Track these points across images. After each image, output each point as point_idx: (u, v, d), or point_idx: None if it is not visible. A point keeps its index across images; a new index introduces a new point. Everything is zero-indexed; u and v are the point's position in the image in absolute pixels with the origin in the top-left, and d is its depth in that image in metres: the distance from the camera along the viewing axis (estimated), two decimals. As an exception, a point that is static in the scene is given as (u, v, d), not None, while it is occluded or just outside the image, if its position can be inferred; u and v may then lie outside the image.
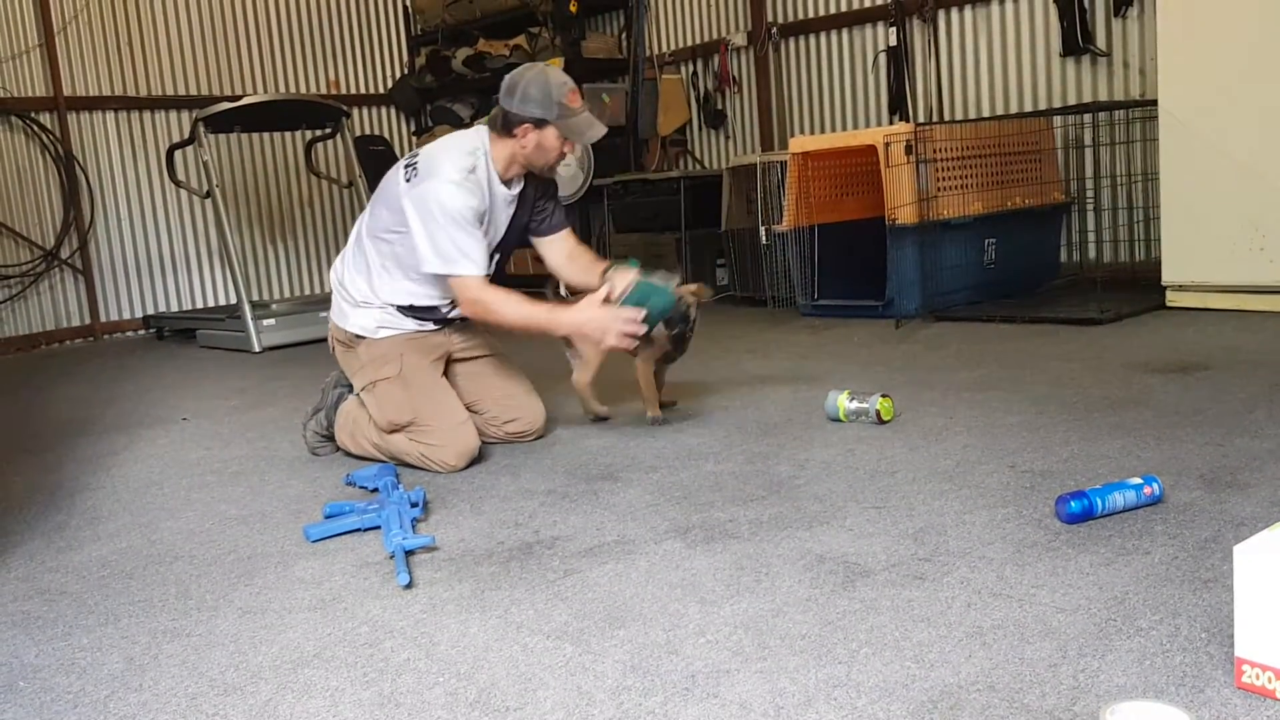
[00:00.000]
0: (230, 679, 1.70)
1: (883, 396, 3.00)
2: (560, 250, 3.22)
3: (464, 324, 3.14)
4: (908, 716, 1.41)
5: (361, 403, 3.04)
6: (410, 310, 3.02)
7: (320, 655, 1.76)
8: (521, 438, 3.11)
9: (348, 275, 3.07)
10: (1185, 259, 4.39)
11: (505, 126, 2.92)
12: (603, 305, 2.93)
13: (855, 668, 1.57)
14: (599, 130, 2.99)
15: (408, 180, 2.89)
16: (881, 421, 2.97)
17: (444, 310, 3.06)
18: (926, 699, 1.46)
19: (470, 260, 2.86)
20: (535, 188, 3.12)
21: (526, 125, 2.89)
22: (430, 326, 3.07)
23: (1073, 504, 2.07)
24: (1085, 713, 1.39)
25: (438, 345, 3.07)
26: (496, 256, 3.09)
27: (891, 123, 6.01)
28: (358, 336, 3.03)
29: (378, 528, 2.36)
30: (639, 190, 6.71)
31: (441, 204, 2.82)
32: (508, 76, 2.95)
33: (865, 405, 3.00)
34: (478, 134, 2.99)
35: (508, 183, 3.01)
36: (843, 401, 3.04)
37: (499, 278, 3.08)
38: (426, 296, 3.01)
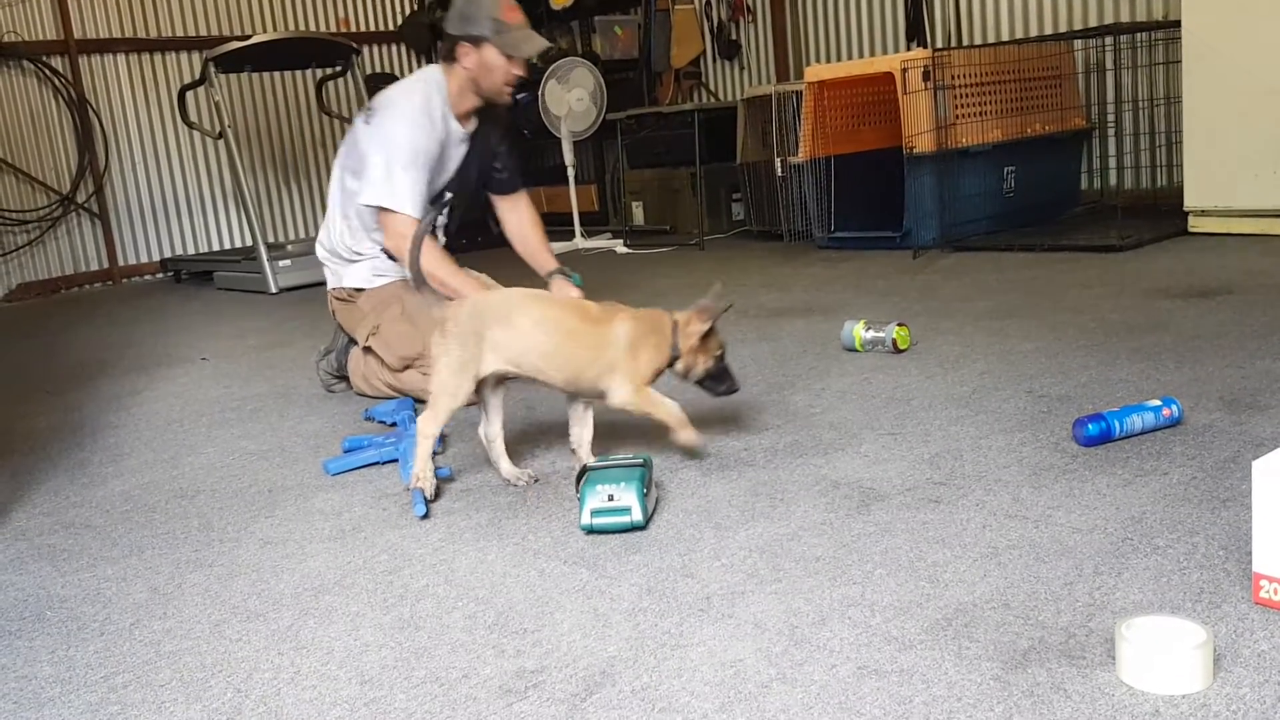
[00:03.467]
0: (253, 606, 1.73)
1: (899, 325, 2.98)
2: (515, 218, 3.19)
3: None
4: (922, 634, 1.42)
5: (369, 351, 3.00)
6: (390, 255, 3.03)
7: (341, 583, 1.78)
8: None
9: (337, 236, 3.06)
10: (1208, 184, 4.32)
11: (449, 53, 2.89)
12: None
13: (870, 588, 1.57)
14: (537, 43, 2.91)
15: (365, 123, 2.91)
16: (897, 350, 2.95)
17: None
18: (941, 617, 1.46)
19: (408, 199, 2.83)
20: (494, 135, 3.09)
21: (466, 45, 2.85)
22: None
23: (1090, 426, 2.05)
24: (1101, 629, 1.39)
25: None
26: (449, 196, 3.06)
27: (909, 49, 5.92)
28: (356, 290, 3.04)
29: (396, 461, 2.37)
30: (652, 124, 6.64)
31: (391, 138, 2.82)
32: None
33: (881, 334, 2.98)
34: (431, 69, 2.96)
35: (462, 120, 2.98)
36: (859, 331, 3.02)
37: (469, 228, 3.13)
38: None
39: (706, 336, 2.19)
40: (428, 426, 2.13)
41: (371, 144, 2.87)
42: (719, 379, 2.25)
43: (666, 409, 2.18)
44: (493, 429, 2.21)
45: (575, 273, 3.11)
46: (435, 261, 2.79)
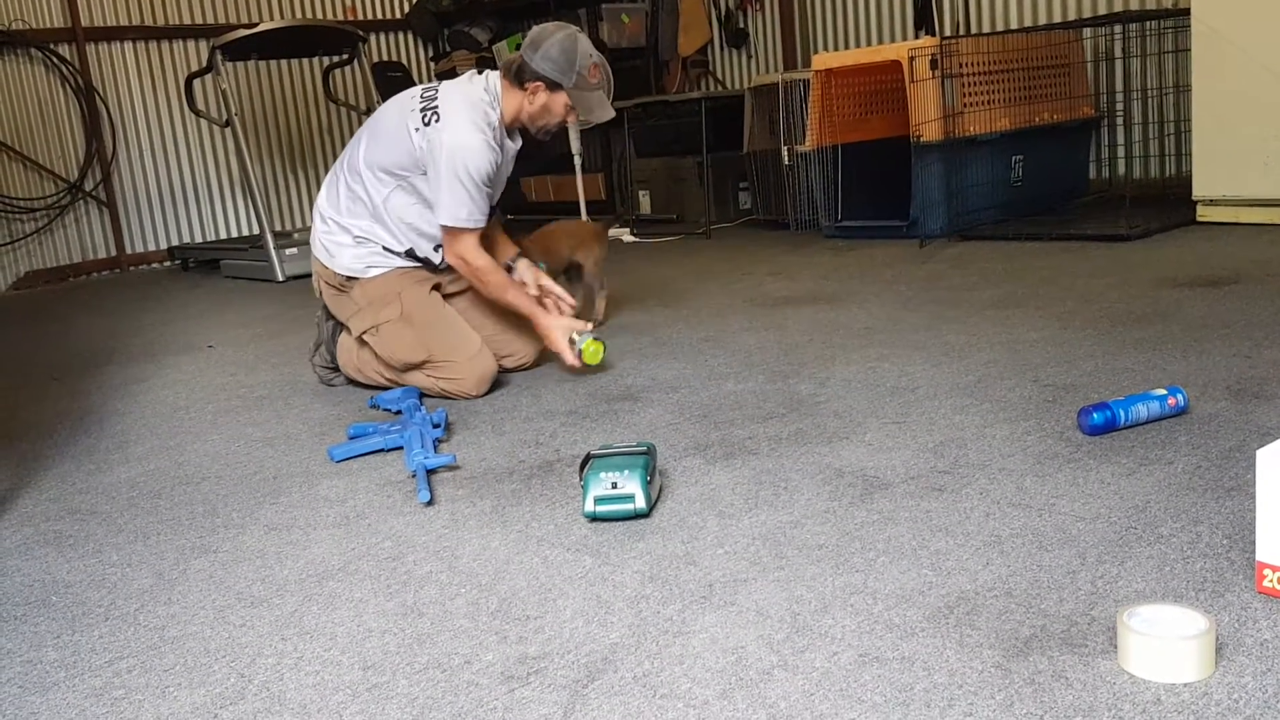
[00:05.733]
0: (257, 592, 1.73)
1: (593, 339, 2.90)
2: None
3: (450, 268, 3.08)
4: (924, 621, 1.42)
5: (362, 343, 2.97)
6: (408, 254, 2.96)
7: (345, 569, 1.79)
8: (519, 369, 3.08)
9: (344, 208, 2.95)
10: (1216, 173, 4.30)
11: (519, 77, 2.86)
12: (561, 319, 2.96)
13: (872, 576, 1.57)
14: (608, 112, 2.94)
15: (426, 123, 2.81)
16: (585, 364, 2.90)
17: (437, 264, 3.02)
18: (943, 604, 1.46)
19: (474, 220, 2.85)
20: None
21: (539, 84, 2.84)
22: (415, 265, 3.00)
23: (1095, 415, 2.05)
24: (1103, 617, 1.39)
25: (428, 278, 3.01)
26: (496, 210, 3.08)
27: (917, 37, 5.89)
28: (348, 279, 2.96)
29: (400, 448, 2.38)
30: (659, 113, 6.63)
31: (465, 161, 2.78)
32: (536, 29, 2.90)
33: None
34: (490, 82, 2.90)
35: (510, 135, 2.98)
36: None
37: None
38: (430, 241, 2.96)
39: None
40: None
41: (439, 156, 2.79)
42: None
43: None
44: None
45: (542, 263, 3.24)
46: (498, 285, 2.93)
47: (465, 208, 2.81)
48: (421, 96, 2.89)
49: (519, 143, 3.03)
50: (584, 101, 2.88)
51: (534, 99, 2.86)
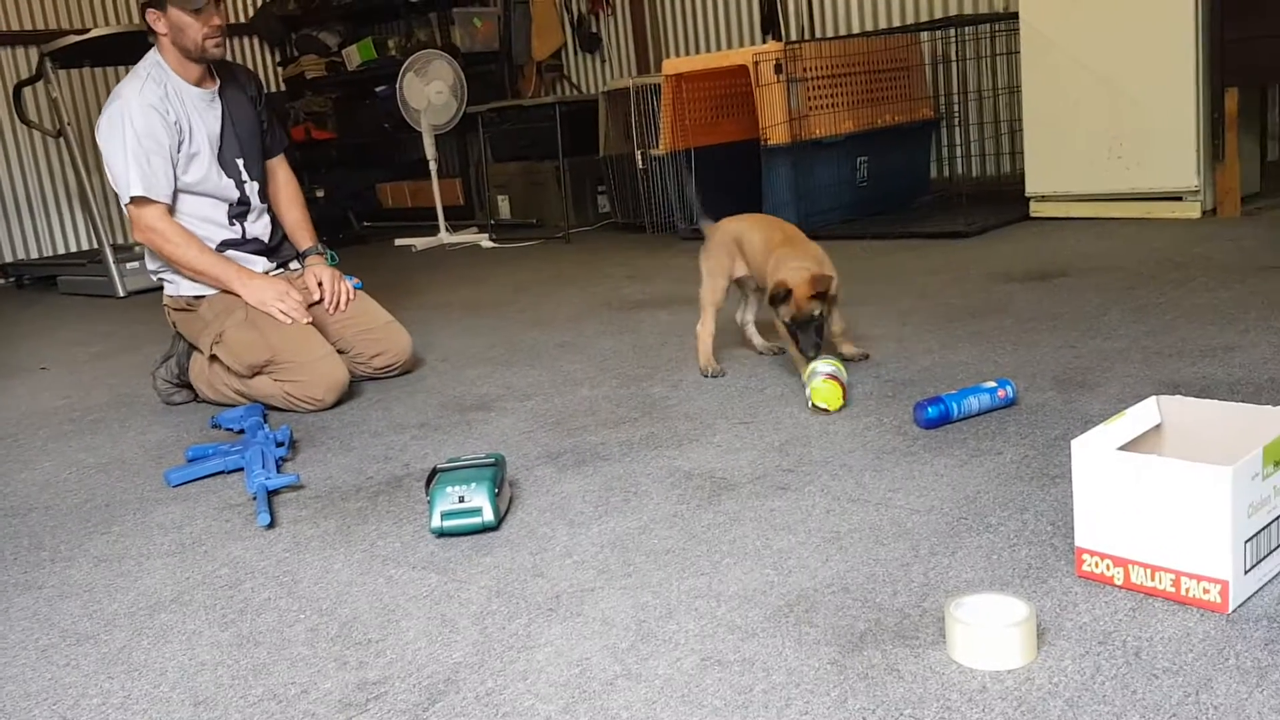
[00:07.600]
0: (83, 628, 1.65)
1: (827, 379, 2.32)
2: (272, 186, 3.14)
3: (300, 264, 3.07)
4: (764, 621, 1.44)
5: (213, 359, 2.90)
6: (230, 246, 2.96)
7: (178, 599, 1.72)
8: (389, 371, 3.04)
9: (150, 251, 2.97)
10: (1047, 170, 4.50)
11: (149, 28, 2.87)
12: (282, 280, 2.92)
13: (717, 578, 1.59)
14: None
15: (100, 128, 2.86)
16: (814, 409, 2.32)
17: (244, 231, 3.00)
18: (784, 603, 1.49)
19: (144, 182, 2.80)
20: (248, 93, 3.06)
21: (154, 13, 2.84)
22: (261, 266, 2.99)
23: (929, 409, 2.12)
24: (934, 608, 1.43)
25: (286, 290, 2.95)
26: (243, 165, 3.00)
27: (764, 42, 6.00)
28: (196, 298, 2.93)
29: (242, 469, 2.30)
30: (515, 117, 6.59)
31: (114, 125, 2.79)
32: None
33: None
34: (150, 51, 2.92)
35: (200, 84, 2.93)
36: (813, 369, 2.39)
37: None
38: (215, 226, 2.95)
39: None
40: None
41: (110, 146, 2.81)
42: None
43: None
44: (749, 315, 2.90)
45: (331, 250, 3.18)
46: (194, 255, 2.86)
47: (137, 178, 2.79)
48: None
49: (215, 84, 2.97)
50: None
51: (161, 28, 2.84)
